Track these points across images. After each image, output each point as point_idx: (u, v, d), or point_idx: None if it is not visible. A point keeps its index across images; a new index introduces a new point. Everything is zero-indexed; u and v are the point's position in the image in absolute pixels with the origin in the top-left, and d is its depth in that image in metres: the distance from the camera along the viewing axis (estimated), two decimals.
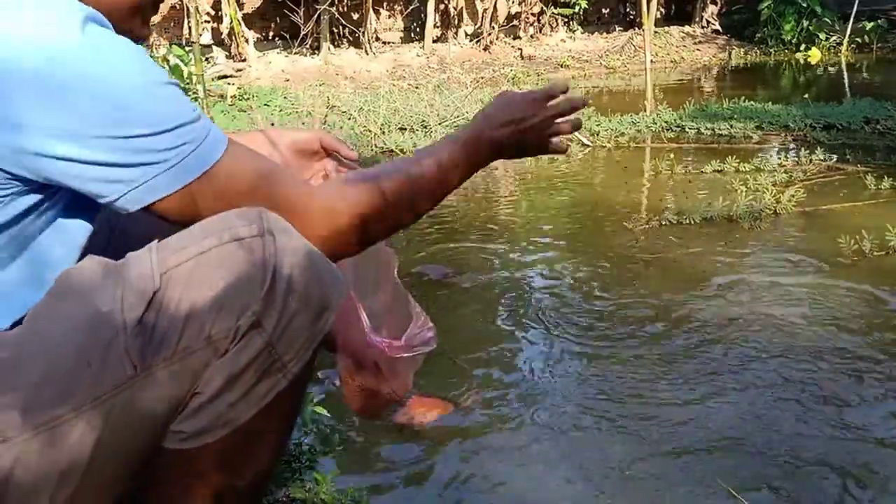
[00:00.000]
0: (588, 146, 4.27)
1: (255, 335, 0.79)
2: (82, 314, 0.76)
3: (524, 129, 1.06)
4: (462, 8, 8.35)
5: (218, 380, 0.79)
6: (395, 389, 1.27)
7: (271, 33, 7.73)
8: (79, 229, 0.88)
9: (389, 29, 8.23)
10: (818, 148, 3.77)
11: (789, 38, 8.42)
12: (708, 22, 9.50)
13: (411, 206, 0.99)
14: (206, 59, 6.64)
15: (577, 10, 8.76)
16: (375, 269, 1.22)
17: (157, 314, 0.77)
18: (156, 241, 0.82)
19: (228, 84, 6.02)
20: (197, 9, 5.81)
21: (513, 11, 8.80)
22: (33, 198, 0.81)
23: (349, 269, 1.15)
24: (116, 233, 1.02)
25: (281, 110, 5.38)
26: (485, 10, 8.25)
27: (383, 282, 1.24)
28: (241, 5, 7.25)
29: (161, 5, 1.00)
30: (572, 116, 1.09)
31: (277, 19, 7.61)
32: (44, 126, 0.75)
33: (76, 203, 0.85)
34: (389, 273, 1.24)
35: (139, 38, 0.96)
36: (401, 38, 8.27)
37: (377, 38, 7.84)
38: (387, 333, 1.16)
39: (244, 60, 6.99)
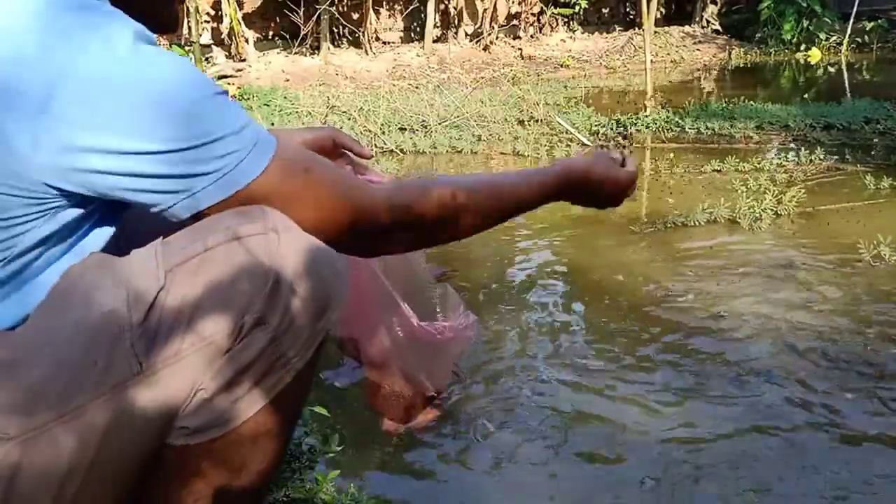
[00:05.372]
0: (588, 146, 4.27)
1: (258, 332, 0.80)
2: (87, 312, 0.76)
3: (613, 194, 1.19)
4: (462, 8, 8.35)
5: (222, 376, 0.79)
6: (435, 385, 1.27)
7: (271, 33, 7.73)
8: (103, 238, 0.88)
9: (389, 29, 8.22)
10: (818, 148, 3.77)
11: (789, 37, 8.42)
12: (708, 22, 9.51)
13: (459, 211, 1.00)
14: (206, 58, 6.64)
15: (577, 10, 8.76)
16: (393, 267, 1.23)
17: (161, 312, 0.77)
18: (160, 238, 0.82)
19: (228, 84, 6.02)
20: (197, 9, 5.81)
21: (513, 11, 8.80)
22: (77, 210, 0.81)
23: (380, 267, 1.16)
24: (125, 229, 1.02)
25: (281, 110, 5.38)
26: (485, 10, 8.25)
27: (407, 277, 1.25)
28: (241, 5, 7.25)
29: None
30: None
31: (277, 19, 7.60)
32: (97, 144, 0.75)
33: (110, 210, 0.85)
34: (412, 268, 1.25)
35: (173, 24, 0.97)
36: (401, 38, 8.27)
37: (377, 38, 7.84)
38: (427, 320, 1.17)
39: (244, 60, 6.99)
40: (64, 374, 0.75)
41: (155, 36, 0.82)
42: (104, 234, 0.87)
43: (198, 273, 0.78)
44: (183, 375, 0.78)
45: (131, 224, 0.95)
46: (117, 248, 0.86)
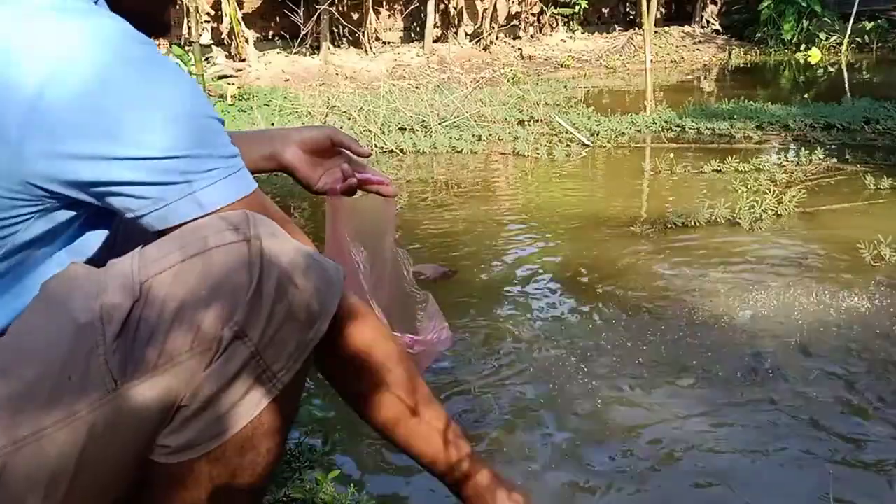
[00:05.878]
0: (588, 146, 4.27)
1: (239, 345, 0.77)
2: (63, 326, 0.74)
3: None
4: (462, 8, 8.35)
5: (204, 392, 0.76)
6: None
7: (271, 33, 7.73)
8: (97, 239, 0.87)
9: (389, 29, 8.22)
10: (818, 148, 3.77)
11: (789, 37, 8.42)
12: (708, 22, 9.51)
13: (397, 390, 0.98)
14: (206, 59, 6.64)
15: (577, 10, 8.77)
16: (383, 266, 1.22)
17: (137, 325, 0.74)
18: (139, 247, 0.80)
19: (228, 84, 6.01)
20: (197, 9, 5.82)
21: (513, 11, 8.81)
22: (67, 212, 0.80)
23: (365, 262, 1.15)
24: (119, 231, 1.01)
25: (281, 110, 5.38)
26: (485, 10, 8.26)
27: (392, 278, 1.23)
28: (241, 5, 7.25)
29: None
30: None
31: (277, 19, 7.61)
32: (79, 147, 0.74)
33: (101, 213, 0.83)
34: (399, 270, 1.24)
35: (167, 28, 0.97)
36: (401, 38, 8.27)
37: (377, 38, 7.84)
38: (401, 329, 1.15)
39: (244, 60, 6.99)
40: (41, 389, 0.73)
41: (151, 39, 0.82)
42: (97, 236, 0.86)
43: (174, 284, 0.75)
44: (161, 392, 0.75)
45: (126, 227, 0.95)
46: (112, 251, 0.85)
